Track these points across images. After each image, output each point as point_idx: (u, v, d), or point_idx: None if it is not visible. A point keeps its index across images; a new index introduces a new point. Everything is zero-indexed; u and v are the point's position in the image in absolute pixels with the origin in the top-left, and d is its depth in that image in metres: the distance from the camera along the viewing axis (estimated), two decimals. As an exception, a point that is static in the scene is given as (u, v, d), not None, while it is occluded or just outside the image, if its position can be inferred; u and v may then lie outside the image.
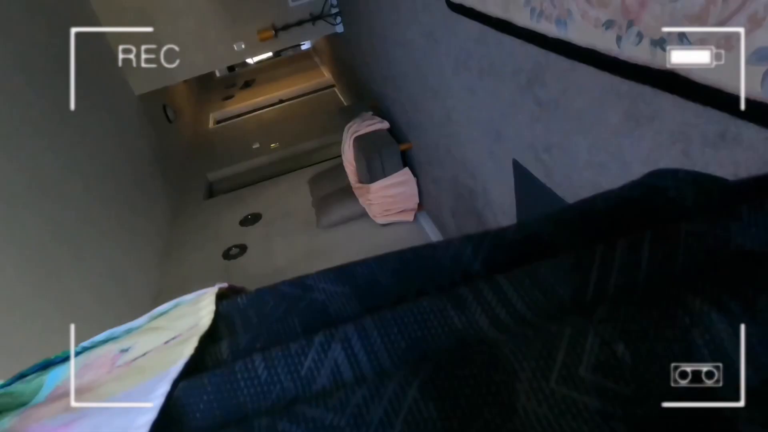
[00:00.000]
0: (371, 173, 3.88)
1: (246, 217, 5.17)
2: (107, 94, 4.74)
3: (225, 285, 0.59)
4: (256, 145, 7.20)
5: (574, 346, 0.36)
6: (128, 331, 0.55)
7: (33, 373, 0.50)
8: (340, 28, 5.39)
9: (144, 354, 0.48)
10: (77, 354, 0.51)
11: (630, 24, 1.17)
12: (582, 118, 1.54)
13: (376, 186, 3.91)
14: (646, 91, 1.20)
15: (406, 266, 0.52)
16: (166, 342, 0.49)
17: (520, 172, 2.09)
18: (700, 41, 0.98)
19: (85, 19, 4.75)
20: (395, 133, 4.11)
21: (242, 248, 4.71)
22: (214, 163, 6.99)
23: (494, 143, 2.28)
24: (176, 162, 6.68)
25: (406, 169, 3.91)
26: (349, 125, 4.27)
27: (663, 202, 0.54)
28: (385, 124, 4.12)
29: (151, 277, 4.42)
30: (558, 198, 1.84)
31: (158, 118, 6.41)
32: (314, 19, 5.24)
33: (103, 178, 4.01)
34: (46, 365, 0.51)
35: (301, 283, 0.52)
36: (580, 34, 1.40)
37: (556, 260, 0.44)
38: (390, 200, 3.98)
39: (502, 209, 2.44)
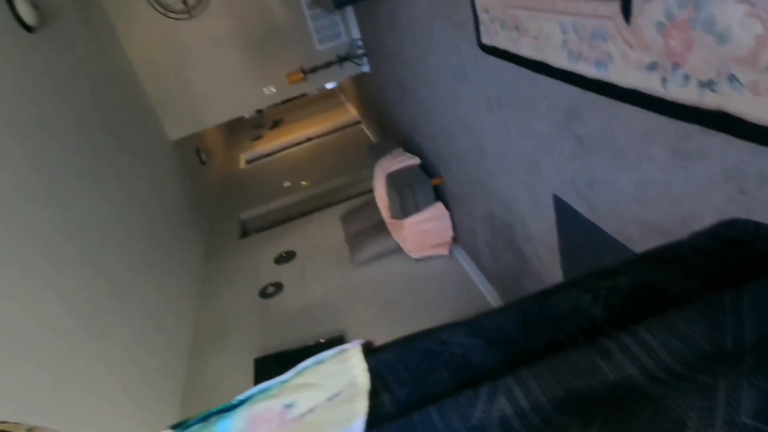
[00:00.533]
0: (404, 209, 3.92)
1: (280, 255, 5.25)
2: (145, 140, 4.95)
3: (363, 341, 0.64)
4: (286, 184, 7.35)
5: (731, 395, 0.40)
6: (280, 385, 0.59)
7: (196, 424, 0.54)
8: (366, 68, 5.54)
9: (311, 410, 0.53)
10: (235, 407, 0.56)
11: (675, 66, 1.20)
12: (625, 154, 1.55)
13: (409, 221, 3.95)
14: (695, 129, 1.21)
15: (531, 317, 0.57)
16: (329, 399, 0.54)
17: (562, 207, 2.09)
18: (752, 83, 1.00)
19: (125, 72, 5.00)
20: (426, 168, 4.16)
21: (278, 286, 4.76)
22: (247, 202, 7.15)
23: (531, 178, 2.30)
24: (210, 203, 6.87)
25: (439, 204, 3.95)
26: (379, 162, 4.35)
27: (749, 254, 0.57)
28: (416, 160, 4.18)
29: (188, 316, 4.51)
30: (603, 233, 1.84)
31: (192, 161, 6.63)
32: (341, 60, 5.41)
33: (141, 221, 4.16)
34: (207, 416, 0.56)
35: (437, 338, 0.57)
36: (621, 76, 1.43)
37: (686, 311, 0.48)
38: (424, 235, 4.00)
39: (542, 243, 2.44)
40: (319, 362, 0.61)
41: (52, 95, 3.32)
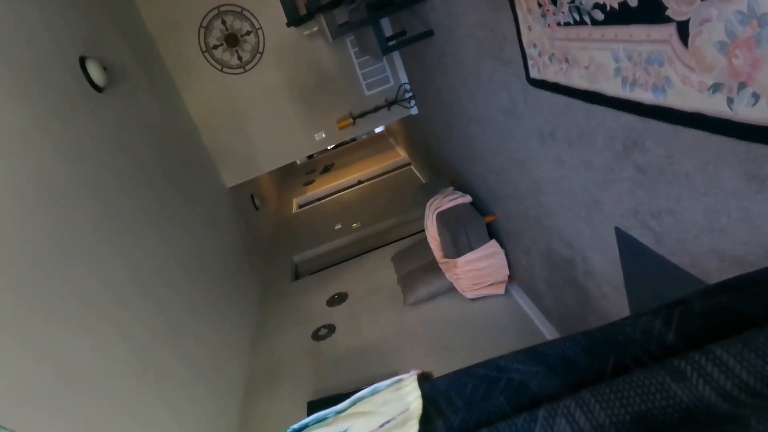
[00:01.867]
0: (457, 247, 3.87)
1: (332, 297, 5.26)
2: (203, 188, 5.17)
3: (419, 371, 0.63)
4: (338, 226, 7.45)
5: None
6: (336, 414, 0.59)
7: None
8: (414, 110, 5.64)
9: None
10: None
11: (742, 86, 1.14)
12: (693, 181, 1.47)
13: (463, 260, 3.88)
14: (770, 150, 1.14)
15: (596, 343, 0.53)
16: (381, 425, 0.53)
17: (625, 240, 2.00)
18: (834, 98, 0.93)
19: (185, 125, 5.29)
20: (478, 206, 4.12)
21: (330, 328, 4.75)
22: (299, 245, 7.28)
23: (591, 211, 2.22)
24: (263, 247, 7.03)
25: (493, 242, 3.87)
26: (430, 201, 4.34)
27: None
28: (468, 198, 4.15)
29: (243, 358, 4.55)
30: (672, 265, 1.74)
31: (246, 207, 6.86)
32: (390, 104, 5.53)
33: (199, 266, 4.29)
34: None
35: (494, 365, 0.55)
36: (682, 100, 1.38)
37: (767, 328, 0.43)
38: (479, 273, 3.92)
39: (606, 279, 2.33)
40: (375, 391, 0.60)
41: (118, 148, 3.55)
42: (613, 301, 2.36)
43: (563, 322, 3.27)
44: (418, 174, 8.17)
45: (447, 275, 4.21)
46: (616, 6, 1.51)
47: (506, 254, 3.91)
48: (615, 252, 2.12)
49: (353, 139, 12.29)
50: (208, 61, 5.42)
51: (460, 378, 0.57)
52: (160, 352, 3.11)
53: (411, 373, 0.62)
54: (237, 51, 5.42)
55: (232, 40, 5.38)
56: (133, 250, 3.23)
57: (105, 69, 3.55)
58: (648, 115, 1.56)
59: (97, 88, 3.48)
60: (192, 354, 3.56)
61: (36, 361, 2.09)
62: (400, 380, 0.61)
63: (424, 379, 0.62)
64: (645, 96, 1.53)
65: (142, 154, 3.95)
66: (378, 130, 11.95)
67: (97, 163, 3.18)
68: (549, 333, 3.47)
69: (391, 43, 4.04)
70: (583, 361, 0.52)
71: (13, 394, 1.88)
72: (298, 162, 12.57)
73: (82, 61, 3.39)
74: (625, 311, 2.26)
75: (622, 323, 0.55)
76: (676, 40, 1.32)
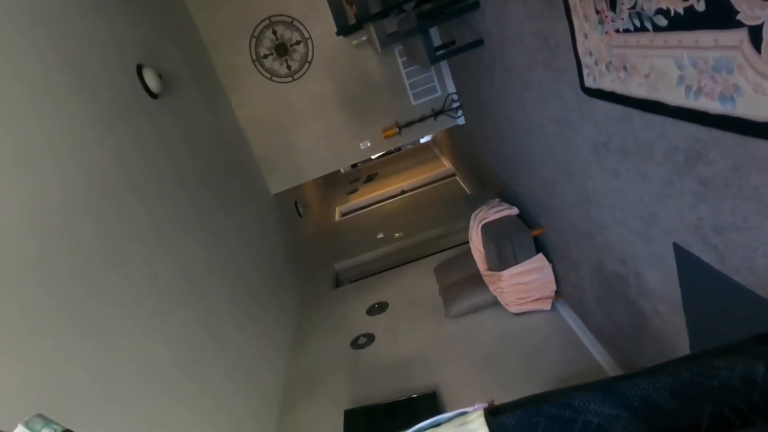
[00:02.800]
0: (502, 260, 3.78)
1: (373, 306, 5.24)
2: (249, 195, 5.28)
3: (486, 405, 0.58)
4: (380, 235, 7.45)
5: None
6: None
7: None
8: (461, 121, 5.59)
9: None
10: None
11: (825, 93, 1.06)
12: (762, 196, 1.38)
13: (508, 273, 3.78)
14: None
15: (686, 386, 0.47)
16: None
17: (684, 257, 1.89)
18: None
19: (234, 132, 5.43)
20: (525, 219, 4.02)
21: (370, 337, 4.73)
22: (341, 253, 7.32)
23: (647, 226, 2.12)
24: (305, 254, 7.11)
25: (540, 255, 3.76)
26: (475, 212, 4.27)
27: None
28: (514, 210, 4.06)
29: (281, 365, 4.58)
30: (736, 285, 1.63)
31: (290, 214, 6.96)
32: (436, 114, 5.51)
33: (240, 272, 4.35)
34: None
35: (567, 404, 0.49)
36: (752, 109, 1.30)
37: None
38: (524, 288, 3.81)
39: (662, 298, 2.21)
40: (436, 423, 0.56)
41: (169, 153, 3.66)
42: (669, 322, 2.24)
43: (614, 342, 3.13)
44: (463, 185, 8.09)
45: (491, 288, 4.12)
46: (681, 11, 1.44)
47: (553, 269, 3.79)
48: (672, 269, 2.01)
49: (398, 149, 12.32)
50: (258, 70, 5.55)
51: (530, 416, 0.52)
52: (201, 357, 3.15)
53: (477, 406, 0.58)
54: (286, 60, 5.54)
55: (281, 50, 5.50)
56: (179, 254, 3.31)
57: (160, 76, 3.69)
58: (713, 125, 1.47)
59: (152, 95, 3.62)
60: (232, 359, 3.60)
61: (83, 361, 2.14)
62: (464, 414, 0.57)
63: (489, 412, 0.57)
64: (711, 105, 1.45)
65: (192, 160, 4.06)
66: (423, 140, 11.93)
67: (150, 167, 3.29)
68: (598, 353, 3.33)
69: (439, 52, 4.03)
70: (672, 407, 0.47)
71: (58, 396, 1.92)
72: (342, 170, 12.69)
73: (139, 69, 3.54)
74: (683, 333, 2.13)
75: (714, 364, 0.49)
76: (747, 45, 1.24)
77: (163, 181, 3.43)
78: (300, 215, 7.58)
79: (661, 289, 2.19)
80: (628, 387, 0.50)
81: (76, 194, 2.45)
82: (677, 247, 1.92)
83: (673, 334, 2.22)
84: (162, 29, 4.37)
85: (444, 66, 5.56)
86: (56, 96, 2.56)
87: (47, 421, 0.58)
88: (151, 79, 3.57)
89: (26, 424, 0.56)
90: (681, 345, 2.19)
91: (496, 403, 0.61)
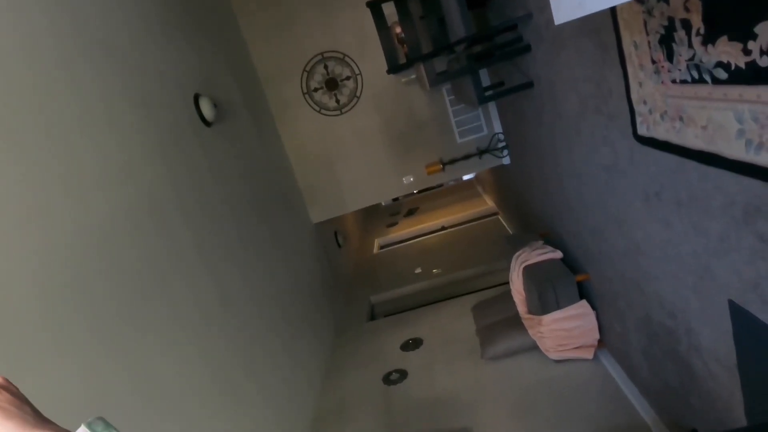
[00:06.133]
0: (543, 304, 3.70)
1: (407, 342, 5.19)
2: (291, 223, 5.38)
3: None
4: (418, 270, 7.42)
5: None
6: None
7: None
8: (506, 161, 5.58)
9: None
10: None
11: None
12: (830, 258, 1.32)
13: (549, 318, 3.69)
14: None
15: None
16: None
17: (740, 315, 1.81)
18: None
19: (280, 161, 5.58)
20: (569, 263, 3.94)
21: (403, 374, 4.67)
22: (377, 286, 7.31)
23: (700, 281, 2.04)
24: (342, 284, 7.13)
25: (584, 302, 3.66)
26: (517, 254, 4.21)
27: None
28: (558, 254, 3.98)
29: (312, 393, 4.56)
30: (799, 350, 1.54)
31: (329, 244, 7.03)
32: (481, 153, 5.52)
33: (278, 298, 4.40)
34: None
35: None
36: (820, 167, 1.25)
37: None
38: (565, 334, 3.70)
39: (714, 356, 2.11)
40: None
41: (217, 181, 3.79)
42: (722, 383, 2.13)
43: (660, 400, 2.98)
44: (505, 224, 8.00)
45: (530, 332, 4.02)
46: (742, 65, 1.42)
47: (597, 317, 3.67)
48: (727, 327, 1.92)
49: (440, 185, 12.34)
50: (308, 103, 5.74)
51: None
52: (236, 378, 3.18)
53: None
54: (336, 94, 5.71)
55: (332, 84, 5.68)
56: (220, 278, 3.38)
57: (215, 105, 3.86)
58: (776, 181, 1.43)
59: (207, 123, 3.79)
60: (265, 383, 3.61)
61: (123, 375, 2.19)
62: None
63: None
64: (773, 161, 1.41)
65: (239, 187, 4.19)
66: (466, 177, 11.93)
67: (198, 192, 3.41)
68: (642, 408, 3.17)
69: (488, 93, 4.07)
70: None
71: (99, 405, 1.98)
72: (383, 203, 12.79)
73: (196, 98, 3.72)
74: (737, 395, 2.02)
75: None
76: (815, 103, 1.21)
77: (210, 206, 3.54)
78: (339, 245, 7.64)
79: (715, 347, 2.09)
80: None
81: (132, 214, 2.56)
82: (733, 305, 1.84)
83: (727, 398, 2.11)
84: (219, 60, 4.60)
85: (491, 106, 5.60)
86: (113, 121, 2.67)
87: (107, 425, 0.61)
88: (206, 108, 3.74)
89: (89, 425, 0.59)
90: (735, 408, 2.07)
91: None
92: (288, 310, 4.57)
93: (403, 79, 5.53)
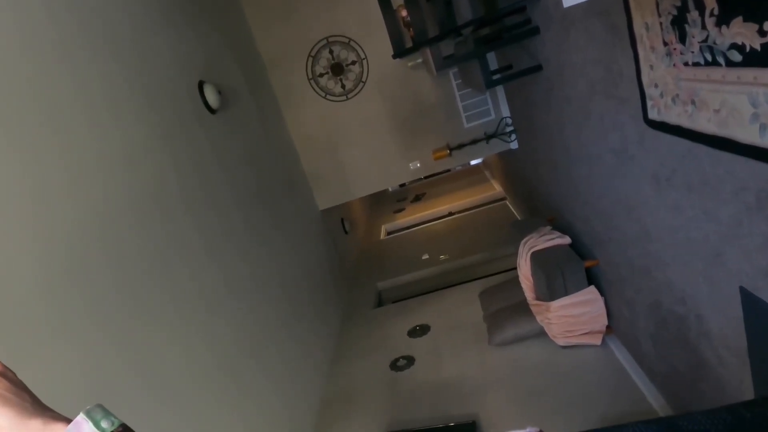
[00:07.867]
0: (551, 290, 3.68)
1: (414, 328, 5.19)
2: (297, 209, 5.37)
3: (537, 429, 0.57)
4: (425, 257, 7.41)
5: None
6: None
7: None
8: (514, 145, 5.52)
9: None
10: None
11: None
12: None
13: (556, 304, 3.67)
14: None
15: (746, 426, 0.46)
16: None
17: (752, 302, 1.79)
18: None
19: (286, 148, 5.56)
20: (578, 249, 3.91)
21: (410, 360, 4.68)
22: (384, 272, 7.31)
23: (711, 267, 2.01)
24: (349, 271, 7.14)
25: (592, 288, 3.63)
26: (525, 239, 4.19)
27: None
28: (566, 239, 3.95)
29: (320, 380, 4.59)
30: (812, 338, 1.52)
31: (336, 230, 7.03)
32: (489, 137, 5.47)
33: (284, 285, 4.40)
34: None
35: None
36: (838, 152, 1.22)
37: None
38: (573, 320, 3.69)
39: (724, 343, 2.09)
40: None
41: (224, 167, 3.78)
42: (731, 370, 2.11)
43: (669, 386, 2.97)
44: (513, 210, 7.96)
45: (537, 318, 4.01)
46: (757, 47, 1.38)
47: (606, 303, 3.65)
48: (738, 314, 1.90)
49: (447, 170, 12.28)
50: (313, 88, 5.70)
51: None
52: (240, 366, 3.19)
53: (528, 430, 0.56)
54: (341, 79, 5.66)
55: (337, 69, 5.63)
56: (226, 265, 3.38)
57: (220, 93, 3.84)
58: (791, 166, 1.40)
59: (211, 110, 3.76)
60: (271, 370, 3.63)
61: (125, 362, 2.19)
62: None
63: None
64: (789, 145, 1.38)
65: (245, 174, 4.18)
66: (474, 162, 11.86)
67: (203, 180, 3.40)
68: (650, 393, 3.17)
69: (496, 76, 4.01)
70: None
71: (100, 393, 1.97)
72: (390, 189, 12.75)
73: (201, 85, 3.69)
74: (747, 382, 2.00)
75: None
76: (833, 85, 1.18)
77: (215, 193, 3.53)
78: (346, 232, 7.64)
79: (724, 333, 2.07)
80: (685, 422, 0.48)
81: (136, 201, 2.56)
82: (744, 291, 1.81)
83: (736, 384, 2.09)
84: (224, 46, 4.56)
85: (499, 89, 5.53)
86: (116, 109, 2.65)
87: (106, 413, 0.60)
88: (211, 95, 3.72)
89: (87, 413, 0.58)
90: (745, 395, 2.05)
91: None
92: (294, 297, 4.58)
93: (410, 64, 5.47)
